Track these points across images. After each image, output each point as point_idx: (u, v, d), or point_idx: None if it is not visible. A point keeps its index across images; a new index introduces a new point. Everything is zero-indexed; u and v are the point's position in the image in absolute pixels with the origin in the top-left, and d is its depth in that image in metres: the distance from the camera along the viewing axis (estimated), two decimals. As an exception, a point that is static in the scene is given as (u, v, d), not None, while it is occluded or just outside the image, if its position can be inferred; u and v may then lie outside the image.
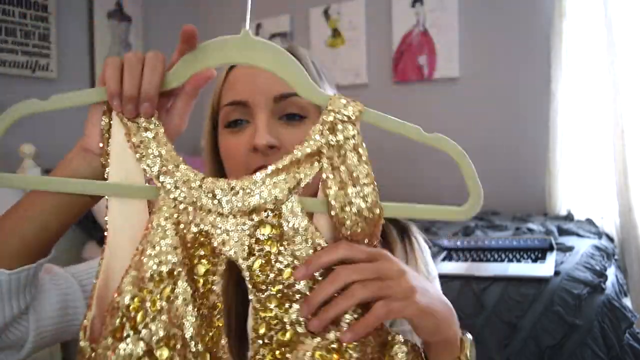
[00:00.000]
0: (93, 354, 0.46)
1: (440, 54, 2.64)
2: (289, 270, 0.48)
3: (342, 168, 0.50)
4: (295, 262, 0.48)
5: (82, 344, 0.47)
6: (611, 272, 1.51)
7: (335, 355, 0.47)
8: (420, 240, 0.75)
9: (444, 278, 1.49)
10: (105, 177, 0.51)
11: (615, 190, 2.18)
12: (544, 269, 1.44)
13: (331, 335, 0.47)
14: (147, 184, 0.51)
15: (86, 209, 0.54)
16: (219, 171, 0.68)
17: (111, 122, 0.51)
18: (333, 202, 0.49)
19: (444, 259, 1.67)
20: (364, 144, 0.51)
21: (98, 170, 0.52)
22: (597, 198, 2.30)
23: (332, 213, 0.50)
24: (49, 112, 0.52)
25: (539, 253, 1.61)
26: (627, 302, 1.54)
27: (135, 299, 0.46)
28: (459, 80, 2.63)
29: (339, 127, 0.50)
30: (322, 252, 0.48)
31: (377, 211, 0.50)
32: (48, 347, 0.60)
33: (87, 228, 2.20)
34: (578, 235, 1.91)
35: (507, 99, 2.52)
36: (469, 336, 0.55)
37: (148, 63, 0.49)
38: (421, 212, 0.53)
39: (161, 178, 0.49)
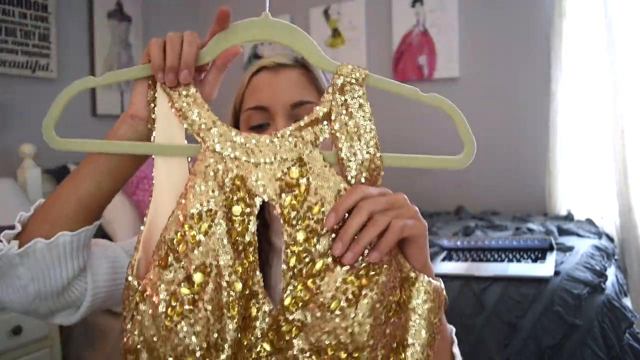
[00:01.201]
0: (141, 285, 0.54)
1: (440, 54, 2.64)
2: (317, 207, 0.55)
3: (350, 124, 0.57)
4: (322, 200, 0.55)
5: (130, 279, 0.55)
6: (611, 272, 1.51)
7: (364, 280, 0.52)
8: None
9: (444, 278, 1.49)
10: (152, 140, 0.59)
11: (615, 190, 2.18)
12: (544, 269, 1.44)
13: (357, 263, 0.53)
14: (189, 144, 0.59)
15: (134, 170, 0.63)
16: None
17: (155, 93, 0.59)
18: (341, 154, 0.57)
19: (444, 259, 1.67)
20: (368, 103, 0.58)
21: (143, 134, 0.61)
22: (597, 198, 2.30)
23: (341, 163, 0.57)
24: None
25: (539, 253, 1.61)
26: (627, 302, 1.54)
27: (178, 234, 0.54)
28: (459, 80, 2.63)
29: (347, 88, 0.57)
30: (344, 198, 0.54)
31: (378, 162, 0.57)
32: (99, 309, 0.67)
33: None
34: (578, 235, 1.91)
35: (507, 99, 2.52)
36: (441, 280, 0.62)
37: (186, 39, 0.58)
38: (418, 161, 0.59)
39: (201, 134, 0.57)
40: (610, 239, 2.13)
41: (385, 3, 2.80)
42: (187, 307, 0.52)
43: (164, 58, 0.57)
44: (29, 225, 0.60)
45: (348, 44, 2.90)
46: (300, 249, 0.54)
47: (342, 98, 0.57)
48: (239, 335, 0.53)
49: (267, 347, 0.53)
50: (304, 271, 0.53)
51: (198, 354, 0.52)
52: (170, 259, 0.53)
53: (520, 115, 2.50)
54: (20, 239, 0.59)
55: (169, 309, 0.52)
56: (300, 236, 0.54)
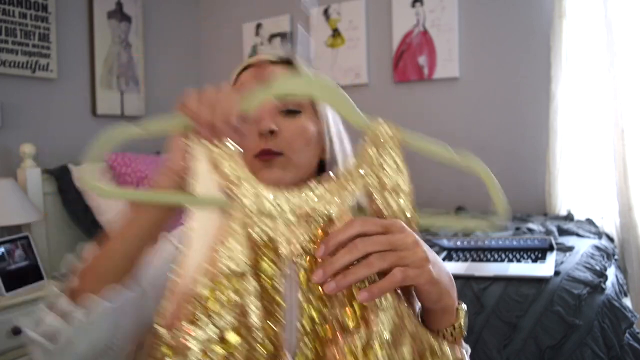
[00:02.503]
0: (170, 338, 0.53)
1: (440, 54, 2.64)
2: None
3: (386, 181, 0.57)
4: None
5: (160, 329, 0.54)
6: (611, 272, 1.51)
7: (361, 353, 0.51)
8: None
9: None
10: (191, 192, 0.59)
11: (615, 190, 2.18)
12: (544, 269, 1.44)
13: (362, 333, 0.52)
14: (223, 198, 0.59)
15: (168, 226, 0.63)
16: None
17: (194, 146, 0.58)
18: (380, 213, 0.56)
19: (444, 259, 1.67)
20: (404, 163, 0.57)
21: (182, 188, 0.59)
22: (597, 198, 2.30)
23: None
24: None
25: (539, 253, 1.61)
26: (627, 302, 1.54)
27: (209, 291, 0.53)
28: (459, 80, 2.63)
29: (383, 146, 0.57)
30: (338, 231, 0.52)
31: (414, 221, 0.57)
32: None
33: (87, 227, 2.19)
34: (578, 235, 1.91)
35: (507, 99, 2.52)
36: (464, 306, 0.60)
37: (225, 96, 0.56)
38: (453, 222, 0.63)
39: (232, 188, 0.57)
40: (610, 239, 2.13)
41: (385, 3, 2.80)
42: None
43: (203, 112, 0.55)
44: (80, 282, 0.61)
45: (348, 44, 2.90)
46: (314, 310, 0.55)
47: (378, 155, 0.57)
48: None
49: None
50: (313, 332, 0.54)
51: None
52: (201, 315, 0.53)
53: (520, 115, 2.50)
54: (74, 295, 0.60)
55: None
56: (317, 301, 0.54)
